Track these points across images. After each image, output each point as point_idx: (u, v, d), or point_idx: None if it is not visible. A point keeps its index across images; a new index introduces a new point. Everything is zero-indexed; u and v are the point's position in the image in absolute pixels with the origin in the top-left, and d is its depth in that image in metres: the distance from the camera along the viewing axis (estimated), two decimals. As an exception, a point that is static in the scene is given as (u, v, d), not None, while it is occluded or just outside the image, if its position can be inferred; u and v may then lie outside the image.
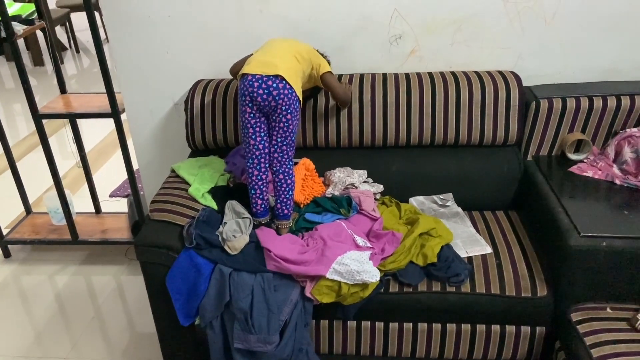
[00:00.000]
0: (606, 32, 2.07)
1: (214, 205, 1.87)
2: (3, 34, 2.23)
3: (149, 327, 2.29)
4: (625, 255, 1.57)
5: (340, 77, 2.10)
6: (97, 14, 2.49)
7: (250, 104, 1.74)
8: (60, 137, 4.01)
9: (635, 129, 1.93)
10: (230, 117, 2.10)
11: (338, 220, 1.89)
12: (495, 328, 1.71)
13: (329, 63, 1.93)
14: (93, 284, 2.57)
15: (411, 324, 1.74)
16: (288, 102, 1.73)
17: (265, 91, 1.71)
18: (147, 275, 1.74)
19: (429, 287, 1.70)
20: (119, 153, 3.76)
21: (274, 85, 1.71)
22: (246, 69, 1.76)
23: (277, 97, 1.71)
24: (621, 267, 1.58)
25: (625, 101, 1.95)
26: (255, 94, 1.72)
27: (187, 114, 2.14)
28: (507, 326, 1.71)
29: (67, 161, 3.57)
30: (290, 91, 1.72)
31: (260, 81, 1.71)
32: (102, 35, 2.24)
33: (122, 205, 3.11)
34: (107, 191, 3.27)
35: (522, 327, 1.71)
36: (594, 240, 1.58)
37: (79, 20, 6.04)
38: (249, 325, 1.63)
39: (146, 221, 1.81)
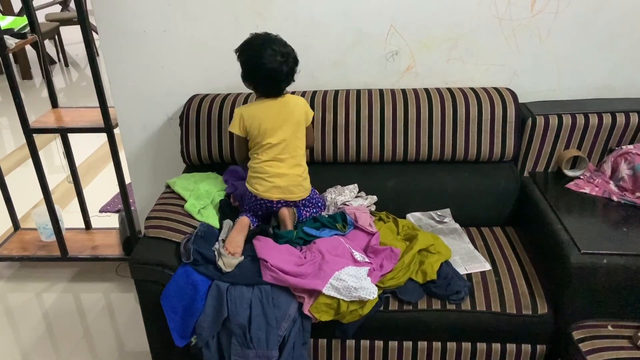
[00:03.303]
0: (600, 50, 2.10)
1: (210, 221, 1.84)
2: (-5, 48, 2.20)
3: (140, 346, 2.24)
4: (626, 273, 1.56)
5: (337, 92, 2.10)
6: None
7: (266, 212, 1.90)
8: (48, 151, 3.96)
9: (631, 146, 1.94)
10: (226, 132, 2.08)
11: (336, 236, 1.87)
12: (496, 346, 1.70)
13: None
14: (82, 301, 2.51)
15: (411, 343, 1.71)
16: (303, 201, 1.91)
17: (284, 205, 1.88)
18: (142, 294, 1.70)
19: (429, 305, 1.68)
20: (108, 168, 3.73)
21: (291, 203, 1.89)
22: (263, 194, 1.84)
23: (294, 204, 1.90)
24: (622, 284, 1.58)
25: (621, 118, 1.97)
26: (274, 209, 1.88)
27: (182, 128, 2.12)
28: (507, 344, 1.69)
29: (55, 175, 3.52)
30: (304, 199, 1.90)
31: (279, 202, 1.87)
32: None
33: (112, 220, 3.06)
34: (96, 206, 3.21)
35: (522, 345, 1.69)
36: (594, 257, 1.58)
37: (68, 34, 6.01)
38: (247, 340, 1.60)
39: (141, 238, 1.78)
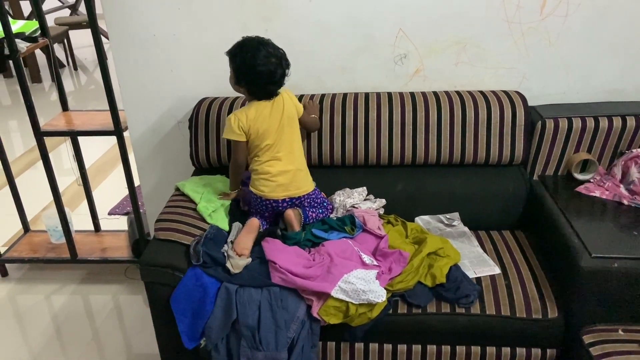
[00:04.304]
0: (609, 53, 2.09)
1: (219, 224, 1.85)
2: (6, 52, 2.21)
3: (148, 348, 2.25)
4: (637, 277, 1.55)
5: (345, 96, 2.10)
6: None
7: (272, 213, 1.91)
8: (57, 153, 3.98)
9: (641, 149, 1.94)
10: (235, 135, 2.08)
11: (344, 238, 1.87)
12: (506, 350, 1.69)
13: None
14: (91, 304, 2.52)
15: (420, 346, 1.71)
16: (309, 199, 1.92)
17: (290, 204, 1.89)
18: (152, 296, 1.71)
19: (438, 309, 1.68)
20: (116, 171, 3.75)
21: (296, 200, 1.89)
22: (269, 195, 1.85)
23: (299, 203, 1.90)
24: (633, 288, 1.57)
25: (631, 122, 1.96)
26: (280, 208, 1.88)
27: (191, 132, 2.13)
28: (517, 348, 1.68)
29: (64, 178, 3.54)
30: (310, 199, 1.91)
31: (284, 201, 1.88)
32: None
33: (120, 223, 3.07)
34: (105, 209, 3.23)
35: (532, 349, 1.68)
36: (605, 261, 1.57)
37: (77, 38, 6.06)
38: (256, 343, 1.60)
39: (150, 240, 1.79)
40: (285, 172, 1.85)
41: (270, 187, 1.85)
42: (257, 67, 1.73)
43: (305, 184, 1.90)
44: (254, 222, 1.85)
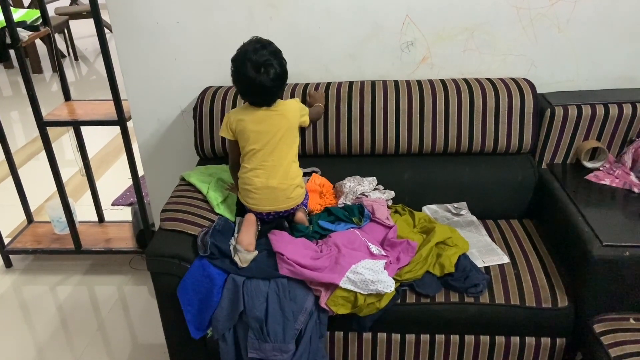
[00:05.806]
0: (619, 40, 2.06)
1: (227, 215, 1.83)
2: (8, 40, 2.19)
3: (154, 339, 2.24)
4: (649, 265, 1.54)
5: (351, 84, 2.07)
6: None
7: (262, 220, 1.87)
8: (59, 144, 3.96)
9: (652, 137, 1.91)
10: (240, 124, 2.06)
11: (352, 229, 1.86)
12: (515, 339, 1.68)
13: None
14: (97, 294, 2.52)
15: (428, 336, 1.70)
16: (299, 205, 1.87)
17: (277, 216, 1.85)
18: (158, 286, 1.70)
19: (447, 298, 1.67)
20: (119, 161, 3.73)
21: (282, 213, 1.84)
22: (253, 207, 1.81)
23: (287, 215, 1.87)
24: (644, 277, 1.56)
25: (641, 109, 1.94)
26: (267, 220, 1.85)
27: (196, 121, 2.11)
28: (526, 337, 1.67)
29: (67, 169, 3.52)
30: (299, 204, 1.85)
31: (269, 214, 1.83)
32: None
33: (124, 214, 3.06)
34: (108, 199, 3.22)
35: (542, 338, 1.67)
36: (616, 249, 1.55)
37: (77, 28, 6.01)
38: (264, 334, 1.60)
39: (157, 230, 1.77)
40: (269, 188, 1.77)
41: (255, 199, 1.80)
42: (243, 74, 1.69)
43: (294, 198, 1.82)
44: (251, 217, 1.82)
